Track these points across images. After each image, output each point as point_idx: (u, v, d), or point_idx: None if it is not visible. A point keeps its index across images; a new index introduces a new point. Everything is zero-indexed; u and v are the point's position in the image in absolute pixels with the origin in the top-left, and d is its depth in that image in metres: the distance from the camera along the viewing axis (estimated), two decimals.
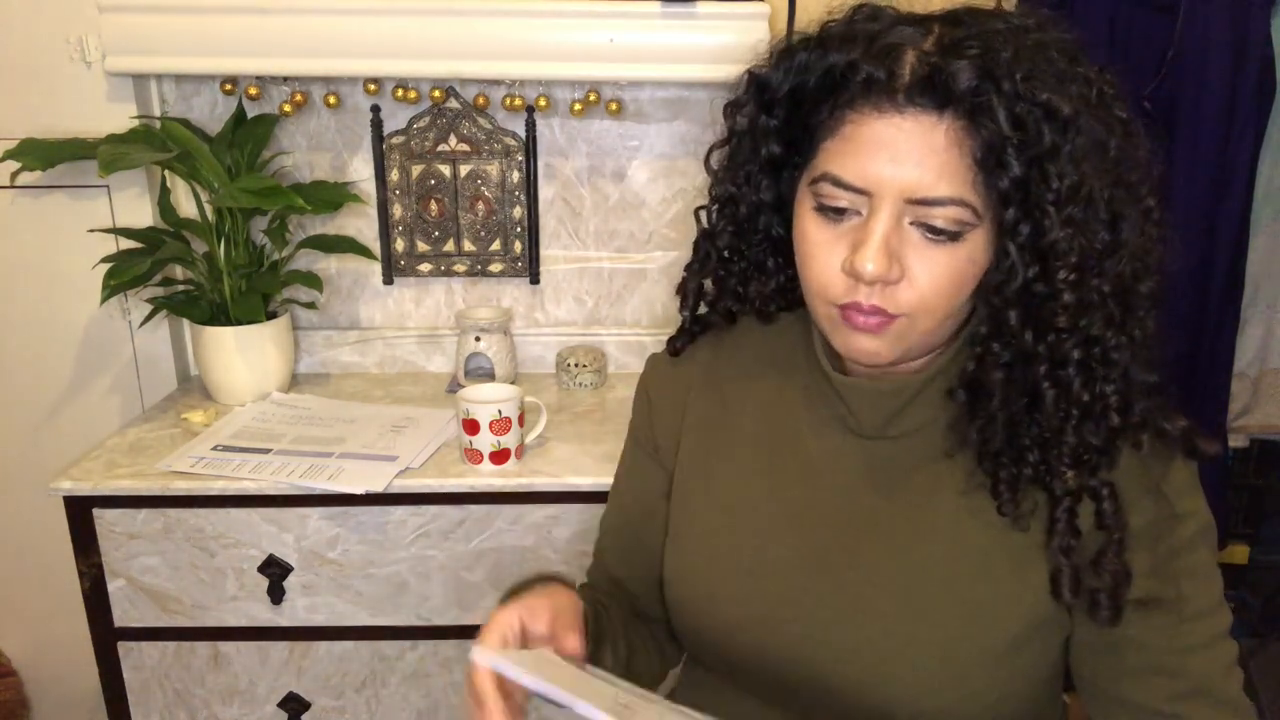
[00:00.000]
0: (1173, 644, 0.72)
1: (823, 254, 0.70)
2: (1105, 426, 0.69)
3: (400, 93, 1.54)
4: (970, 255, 0.67)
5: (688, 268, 0.86)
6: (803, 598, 0.76)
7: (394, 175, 1.60)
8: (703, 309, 0.87)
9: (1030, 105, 0.64)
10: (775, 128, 0.74)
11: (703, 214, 0.84)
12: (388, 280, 1.66)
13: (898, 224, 0.67)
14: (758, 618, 0.77)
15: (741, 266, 0.83)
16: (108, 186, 1.52)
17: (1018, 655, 0.72)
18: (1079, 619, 0.73)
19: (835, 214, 0.69)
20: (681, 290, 0.87)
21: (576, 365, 1.60)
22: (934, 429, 0.76)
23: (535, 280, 1.66)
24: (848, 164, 0.67)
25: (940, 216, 0.66)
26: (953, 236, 0.66)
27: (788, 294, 0.85)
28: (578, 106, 1.53)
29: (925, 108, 0.65)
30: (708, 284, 0.86)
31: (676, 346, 0.89)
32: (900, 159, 0.66)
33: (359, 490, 1.23)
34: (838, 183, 0.68)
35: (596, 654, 0.79)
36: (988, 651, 0.72)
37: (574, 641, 0.71)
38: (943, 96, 0.65)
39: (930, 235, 0.67)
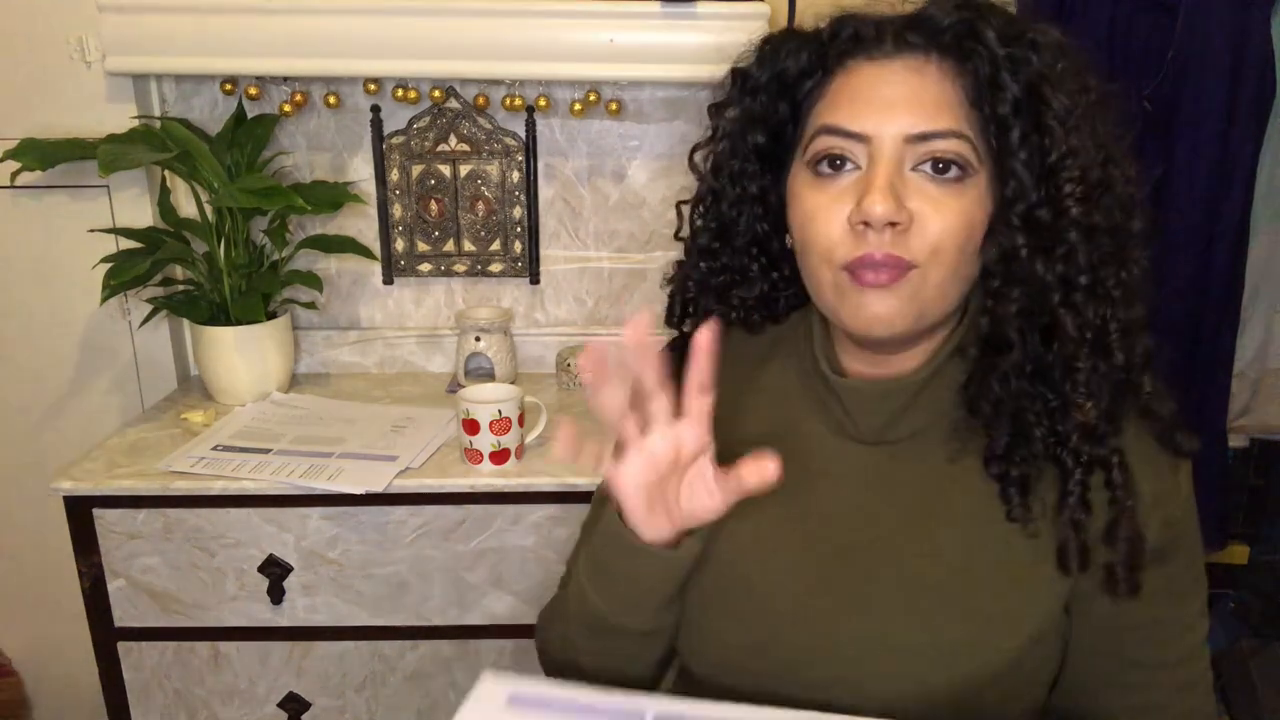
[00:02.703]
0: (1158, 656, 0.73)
1: (824, 214, 0.69)
2: (1109, 364, 0.69)
3: (400, 93, 1.53)
4: (975, 199, 0.68)
5: (669, 279, 0.86)
6: (806, 614, 0.74)
7: (394, 175, 1.60)
8: (687, 328, 0.86)
9: (1015, 35, 0.67)
10: (759, 114, 0.75)
11: (684, 208, 0.84)
12: (388, 280, 1.66)
13: (900, 169, 0.67)
14: (759, 631, 0.75)
15: (724, 264, 0.82)
16: (108, 186, 1.52)
17: (1026, 662, 0.72)
18: (1079, 614, 0.72)
19: (833, 168, 0.69)
20: (668, 305, 0.86)
21: (576, 365, 1.60)
22: (935, 434, 0.75)
23: (535, 280, 1.66)
24: (841, 112, 0.68)
25: (942, 150, 0.66)
26: (957, 178, 0.67)
27: (772, 304, 0.84)
28: (578, 106, 1.53)
29: (914, 48, 0.68)
30: (691, 297, 0.84)
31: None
32: (895, 99, 0.67)
33: (359, 490, 1.23)
34: (833, 131, 0.68)
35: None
36: (997, 662, 0.71)
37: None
38: (929, 33, 0.67)
39: (935, 174, 0.67)
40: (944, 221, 0.67)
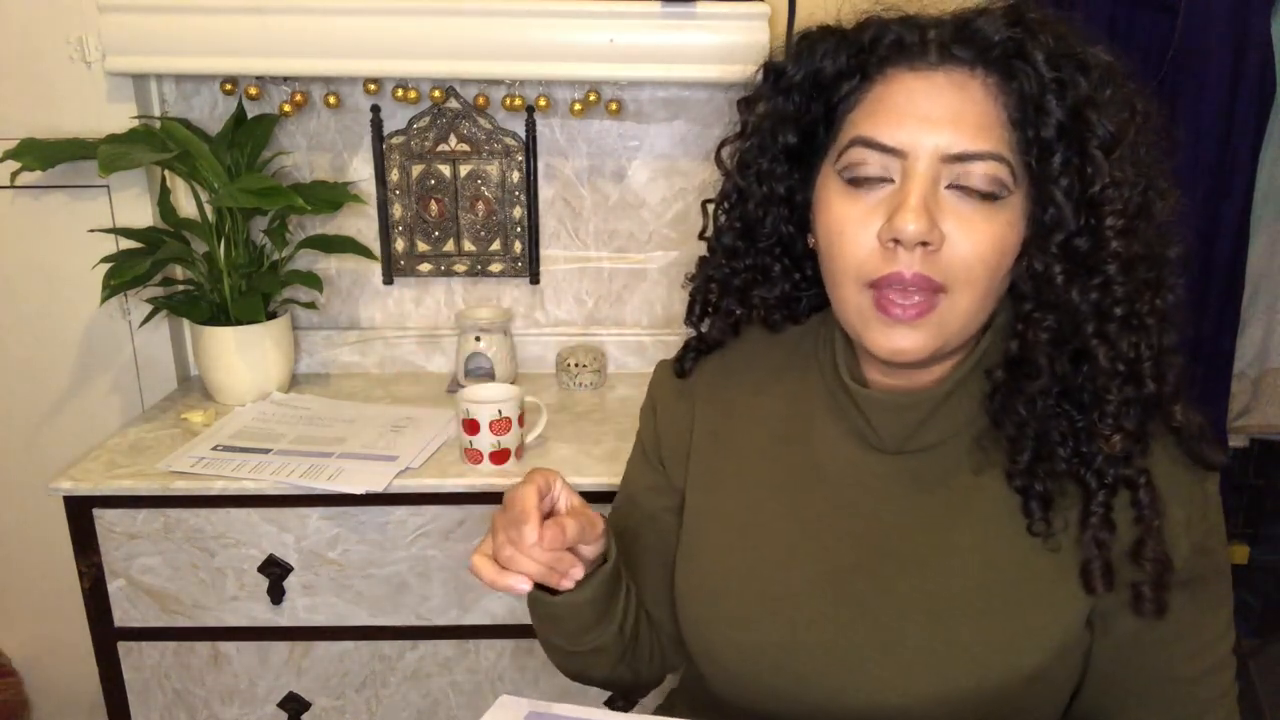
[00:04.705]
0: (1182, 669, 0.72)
1: (854, 228, 0.67)
2: (1140, 394, 0.68)
3: (400, 93, 1.53)
4: (1009, 221, 0.66)
5: (691, 278, 0.84)
6: (824, 623, 0.73)
7: (394, 175, 1.60)
8: (705, 327, 0.85)
9: (1064, 56, 0.65)
10: (792, 114, 0.73)
11: (709, 207, 0.82)
12: (388, 280, 1.66)
13: (935, 187, 0.65)
14: (776, 642, 0.74)
15: (747, 264, 0.80)
16: (108, 186, 1.52)
17: (1045, 675, 0.71)
18: (1102, 629, 0.72)
19: (865, 183, 0.67)
20: (689, 304, 0.84)
21: (576, 365, 1.60)
22: (957, 444, 0.73)
23: (535, 280, 1.66)
24: (879, 125, 0.66)
25: (979, 174, 0.64)
26: (991, 198, 0.65)
27: (793, 304, 0.83)
28: (578, 106, 1.53)
29: (959, 61, 0.65)
30: (713, 297, 0.83)
31: (685, 368, 0.86)
32: (935, 115, 0.65)
33: (359, 490, 1.23)
34: (869, 144, 0.66)
35: (615, 590, 0.79)
36: (1016, 674, 0.70)
37: (599, 524, 0.73)
38: (977, 48, 0.65)
39: (968, 198, 0.65)
40: (976, 245, 0.65)
